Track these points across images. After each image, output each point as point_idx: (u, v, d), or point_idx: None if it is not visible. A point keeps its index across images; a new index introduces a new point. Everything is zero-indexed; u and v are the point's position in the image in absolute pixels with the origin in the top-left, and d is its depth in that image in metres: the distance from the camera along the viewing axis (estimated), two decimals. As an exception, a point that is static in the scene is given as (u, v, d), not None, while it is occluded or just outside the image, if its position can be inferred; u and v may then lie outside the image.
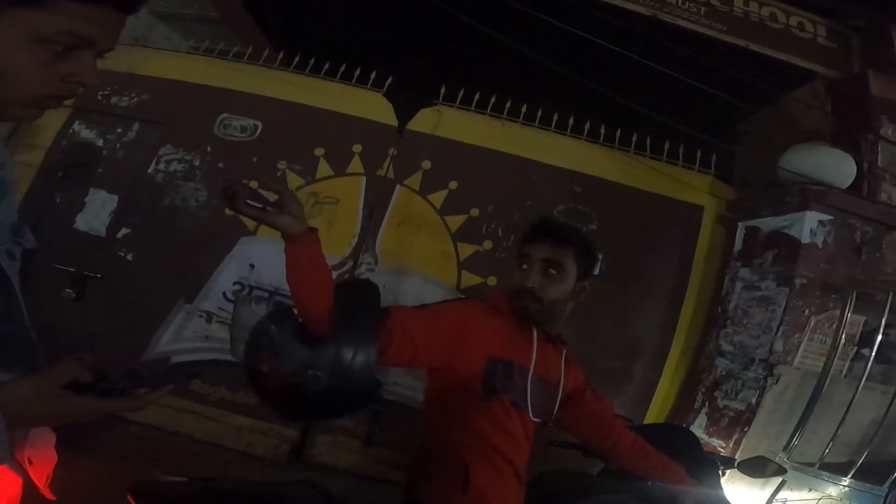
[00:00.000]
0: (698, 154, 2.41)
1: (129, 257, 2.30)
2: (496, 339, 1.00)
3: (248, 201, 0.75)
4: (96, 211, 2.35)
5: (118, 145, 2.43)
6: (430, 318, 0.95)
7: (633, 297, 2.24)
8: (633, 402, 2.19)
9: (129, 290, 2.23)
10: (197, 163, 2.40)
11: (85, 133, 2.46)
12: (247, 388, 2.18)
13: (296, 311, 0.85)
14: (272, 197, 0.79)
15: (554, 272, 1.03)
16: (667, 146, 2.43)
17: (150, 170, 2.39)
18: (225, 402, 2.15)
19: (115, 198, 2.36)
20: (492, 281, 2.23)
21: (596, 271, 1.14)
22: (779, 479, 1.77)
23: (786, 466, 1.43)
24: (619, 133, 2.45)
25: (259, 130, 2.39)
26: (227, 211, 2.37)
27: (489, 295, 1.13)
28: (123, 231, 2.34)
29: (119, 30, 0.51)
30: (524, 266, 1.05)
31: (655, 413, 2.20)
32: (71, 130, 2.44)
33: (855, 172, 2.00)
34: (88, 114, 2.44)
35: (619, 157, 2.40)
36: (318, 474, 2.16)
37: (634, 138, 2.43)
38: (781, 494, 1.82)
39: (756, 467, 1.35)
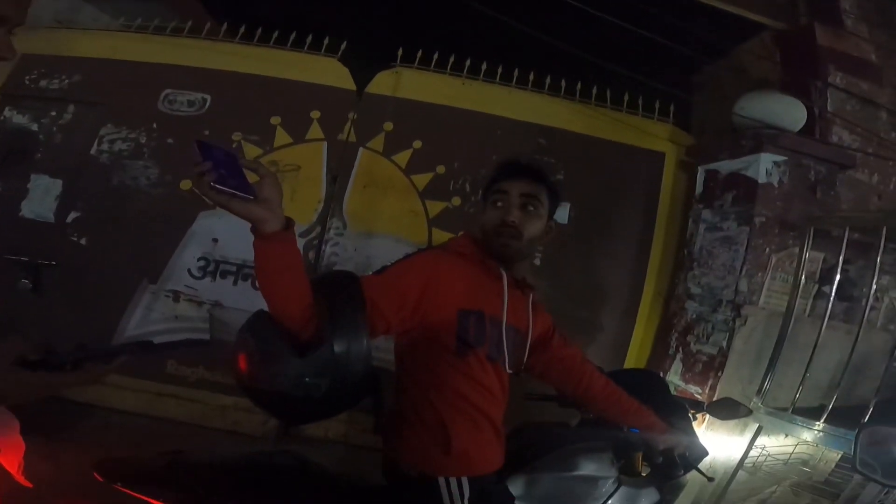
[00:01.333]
0: (657, 104, 2.43)
1: (83, 241, 2.20)
2: (465, 290, 0.95)
3: (214, 184, 0.62)
4: (41, 197, 2.23)
5: (54, 128, 2.30)
6: (393, 282, 0.89)
7: (602, 245, 2.25)
8: (609, 351, 2.22)
9: (87, 275, 2.13)
10: (143, 140, 2.29)
11: (17, 119, 2.31)
12: (225, 367, 2.19)
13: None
14: (251, 177, 0.66)
15: (532, 208, 1.02)
16: (626, 97, 2.43)
17: (93, 151, 2.28)
18: (205, 383, 2.11)
19: (59, 182, 2.24)
20: None
21: (563, 217, 1.12)
22: (755, 426, 1.81)
23: (759, 410, 1.44)
24: (579, 86, 2.43)
25: (208, 103, 2.30)
26: (184, 185, 2.24)
27: (452, 241, 1.08)
28: (73, 215, 2.23)
29: (26, 5, 0.51)
30: (500, 203, 1.02)
31: (633, 362, 2.23)
32: (2, 118, 2.29)
33: (805, 117, 2.04)
34: (17, 99, 2.30)
35: (580, 109, 2.39)
36: (308, 447, 2.18)
37: (595, 91, 2.43)
38: (759, 441, 1.85)
39: (724, 409, 1.35)
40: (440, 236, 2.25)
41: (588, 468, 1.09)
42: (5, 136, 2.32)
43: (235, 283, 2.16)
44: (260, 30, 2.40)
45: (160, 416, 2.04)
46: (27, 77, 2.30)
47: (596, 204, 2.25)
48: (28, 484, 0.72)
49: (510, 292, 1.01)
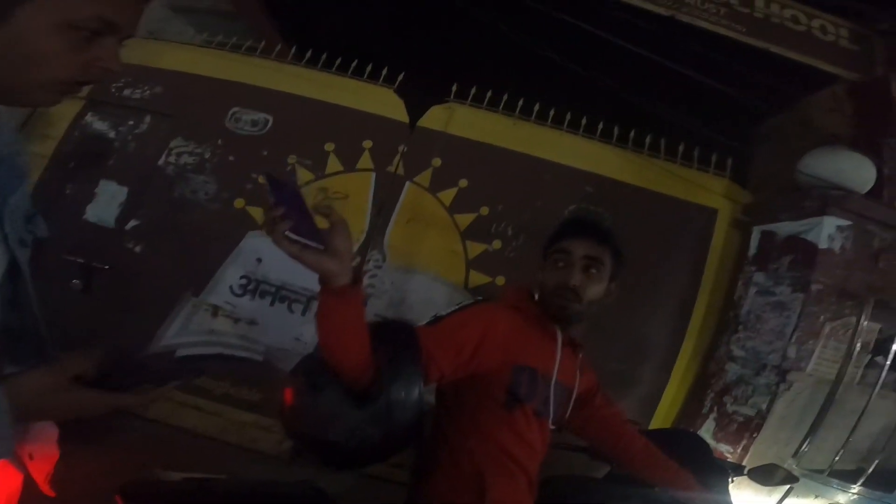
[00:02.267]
0: (714, 157, 2.36)
1: (138, 249, 2.28)
2: (520, 346, 0.96)
3: (288, 233, 0.61)
4: (106, 202, 2.33)
5: (130, 137, 2.42)
6: (450, 334, 0.89)
7: (643, 299, 2.18)
8: (639, 405, 2.14)
9: (136, 282, 2.20)
10: (207, 155, 2.37)
11: (97, 124, 2.45)
12: (250, 384, 2.14)
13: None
14: (321, 223, 0.65)
15: (595, 271, 0.99)
16: (681, 148, 2.37)
17: (161, 162, 2.37)
18: (228, 398, 2.11)
19: (126, 189, 2.34)
20: (500, 280, 2.18)
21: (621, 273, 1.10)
22: (786, 488, 1.73)
23: (795, 473, 1.34)
24: (632, 134, 2.39)
25: (269, 124, 2.37)
26: (237, 204, 2.36)
27: (507, 293, 1.09)
28: (133, 223, 2.32)
29: (139, 17, 0.51)
30: (561, 263, 1.00)
31: (662, 417, 2.14)
32: (84, 121, 2.43)
33: (875, 177, 1.94)
34: (101, 105, 2.43)
35: (631, 158, 2.35)
36: (321, 472, 2.15)
37: (648, 139, 2.37)
38: (788, 501, 1.77)
39: (766, 474, 1.31)
40: (477, 278, 2.22)
41: None
42: (83, 139, 2.45)
43: (272, 303, 2.18)
44: (325, 55, 2.49)
45: (179, 426, 2.04)
46: (113, 85, 2.43)
47: (641, 257, 2.14)
48: (52, 493, 0.72)
49: (563, 351, 1.00)
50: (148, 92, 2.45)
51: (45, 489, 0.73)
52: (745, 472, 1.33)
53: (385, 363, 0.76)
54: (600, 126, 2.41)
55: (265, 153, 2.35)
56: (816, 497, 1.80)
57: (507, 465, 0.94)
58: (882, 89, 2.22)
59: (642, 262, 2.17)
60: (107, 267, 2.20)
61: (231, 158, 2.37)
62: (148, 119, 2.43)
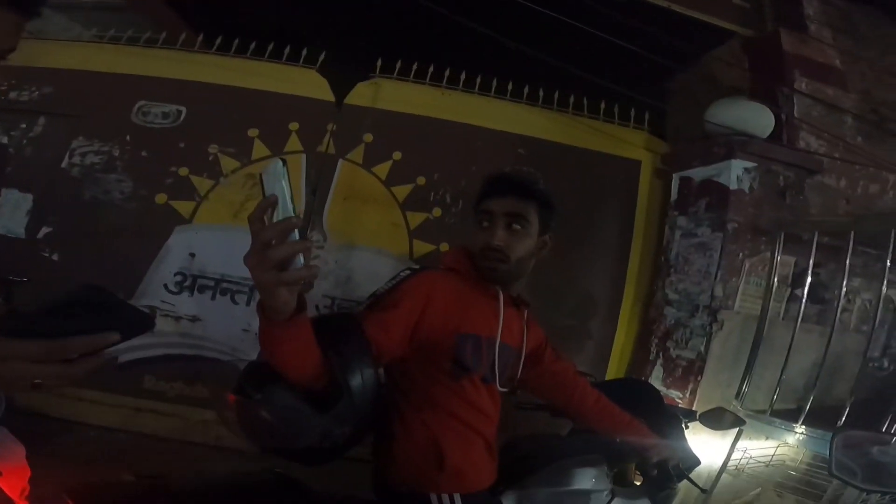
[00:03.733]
0: (632, 112, 2.43)
1: (55, 257, 2.10)
2: (462, 312, 0.93)
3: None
4: (11, 212, 2.13)
5: (24, 141, 2.20)
6: (391, 316, 0.87)
7: (581, 253, 2.23)
8: (592, 358, 2.19)
9: (59, 291, 2.07)
10: (116, 153, 2.19)
11: None
12: (204, 381, 2.04)
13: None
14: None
15: (518, 227, 0.96)
16: (602, 106, 2.42)
17: (64, 164, 2.17)
18: (185, 398, 2.02)
19: (30, 196, 2.14)
20: (444, 247, 2.17)
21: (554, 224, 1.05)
22: (737, 429, 1.74)
23: (741, 416, 1.37)
24: (557, 95, 2.41)
25: (183, 116, 2.22)
26: (159, 200, 2.15)
27: (445, 257, 1.05)
28: (45, 230, 2.12)
29: (19, 32, 0.49)
30: (485, 223, 0.97)
31: (615, 368, 2.21)
32: None
33: (773, 123, 2.07)
34: None
35: (558, 119, 2.37)
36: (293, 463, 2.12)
37: (572, 99, 2.42)
38: (741, 444, 1.84)
39: (716, 419, 1.33)
40: (421, 248, 2.19)
41: (582, 482, 1.07)
42: None
43: (213, 297, 2.08)
44: (237, 41, 2.32)
45: (139, 432, 1.95)
46: None
47: (575, 213, 2.21)
48: None
49: (505, 311, 0.98)
50: (37, 93, 2.22)
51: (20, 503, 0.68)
52: (697, 417, 1.34)
53: (337, 362, 0.74)
54: (526, 90, 2.41)
55: (182, 145, 2.19)
56: (767, 439, 1.87)
57: (462, 432, 0.93)
58: (773, 43, 2.36)
59: (578, 218, 2.22)
60: (25, 279, 1.97)
61: (144, 154, 2.19)
62: (42, 121, 2.20)
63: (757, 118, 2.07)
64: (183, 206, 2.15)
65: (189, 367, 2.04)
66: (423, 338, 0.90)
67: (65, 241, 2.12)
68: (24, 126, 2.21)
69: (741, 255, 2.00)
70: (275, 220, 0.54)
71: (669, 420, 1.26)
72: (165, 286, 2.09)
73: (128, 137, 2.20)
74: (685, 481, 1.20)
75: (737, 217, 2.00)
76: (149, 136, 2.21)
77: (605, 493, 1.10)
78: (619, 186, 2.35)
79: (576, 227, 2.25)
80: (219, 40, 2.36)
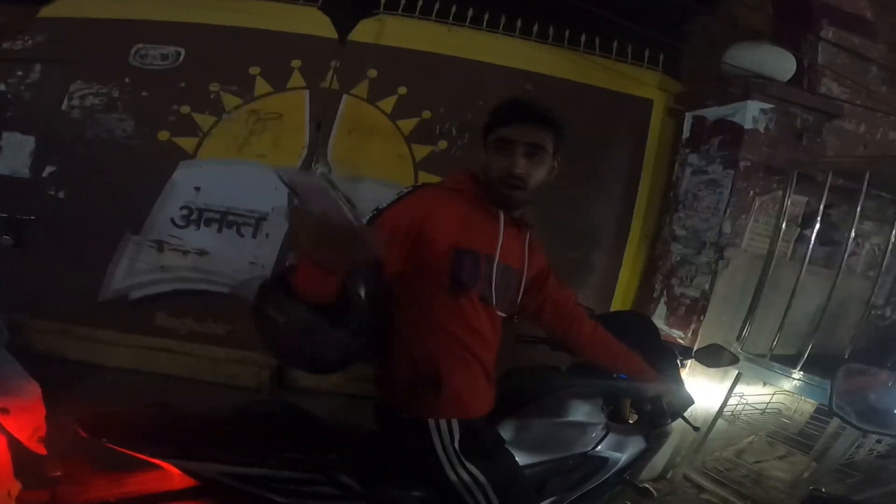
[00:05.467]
0: (646, 53, 2.29)
1: (61, 195, 2.06)
2: (460, 228, 0.90)
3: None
4: (14, 153, 2.08)
5: (22, 87, 2.14)
6: (392, 228, 0.84)
7: (588, 187, 2.15)
8: (596, 293, 2.13)
9: (68, 229, 1.99)
10: (116, 94, 2.11)
11: None
12: (214, 317, 2.01)
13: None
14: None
15: (538, 156, 0.93)
16: (615, 45, 2.28)
17: (64, 106, 2.11)
18: (195, 335, 2.00)
19: (31, 138, 2.09)
20: None
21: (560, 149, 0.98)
22: (735, 373, 1.74)
23: (735, 355, 1.32)
24: (567, 33, 2.27)
25: (182, 56, 2.13)
26: (161, 136, 2.06)
27: (448, 176, 1.01)
28: (49, 169, 2.07)
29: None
30: (504, 150, 0.92)
31: (619, 305, 2.15)
32: None
33: (794, 68, 1.96)
34: None
35: (568, 56, 2.24)
36: (302, 398, 2.16)
37: (584, 38, 2.27)
38: (738, 389, 1.79)
39: (711, 356, 1.27)
40: (427, 179, 2.10)
41: (577, 415, 1.06)
42: None
43: (220, 230, 2.03)
44: None
45: (153, 372, 1.94)
46: None
47: (583, 148, 2.09)
48: (42, 451, 0.68)
49: (506, 231, 0.95)
50: (30, 42, 2.13)
51: (33, 446, 0.65)
52: (693, 353, 1.29)
53: (348, 276, 0.72)
54: (535, 28, 2.27)
55: (183, 84, 2.11)
56: (764, 384, 1.82)
57: (461, 355, 0.91)
58: (801, -11, 2.13)
59: (585, 152, 2.10)
60: (33, 218, 2.00)
61: (144, 94, 2.11)
62: (38, 68, 2.14)
63: (778, 62, 1.95)
64: (186, 143, 2.07)
65: (198, 301, 2.00)
66: (421, 253, 0.87)
67: (70, 179, 2.06)
68: (20, 73, 2.13)
69: (752, 193, 1.90)
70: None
71: (665, 356, 1.22)
72: (172, 220, 2.03)
73: (126, 80, 2.12)
74: (680, 422, 1.17)
75: (750, 155, 1.89)
76: (148, 77, 2.11)
77: (600, 426, 1.09)
78: (629, 124, 2.22)
79: (584, 162, 2.13)
80: None
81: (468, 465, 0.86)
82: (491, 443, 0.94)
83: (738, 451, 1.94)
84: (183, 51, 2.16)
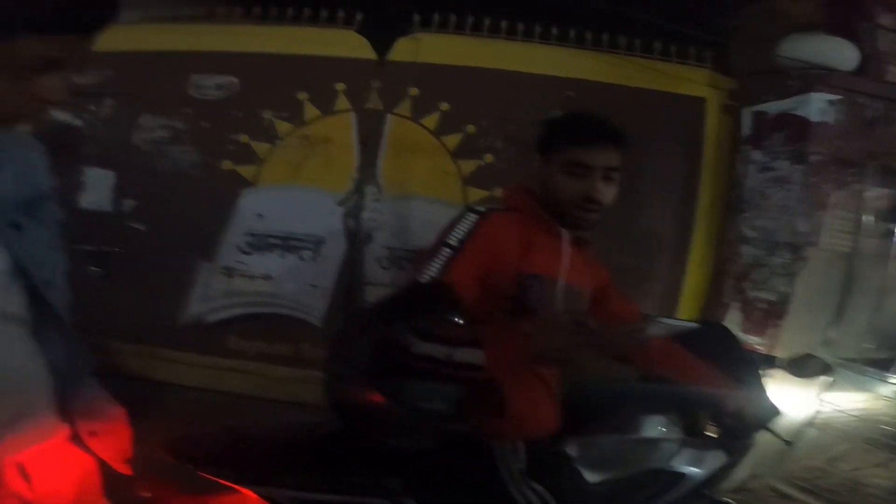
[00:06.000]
0: (690, 52, 2.19)
1: (142, 228, 2.20)
2: (523, 252, 0.89)
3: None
4: (97, 188, 2.22)
5: (96, 122, 2.27)
6: (470, 264, 0.84)
7: (643, 192, 2.06)
8: (660, 301, 2.05)
9: (149, 259, 2.14)
10: (180, 126, 2.21)
11: (60, 115, 2.26)
12: (280, 339, 2.11)
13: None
14: None
15: (613, 178, 0.91)
16: (656, 46, 2.18)
17: (136, 140, 2.23)
18: (263, 355, 2.10)
19: (112, 173, 2.22)
20: (498, 193, 2.02)
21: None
22: (826, 380, 1.54)
23: (829, 363, 1.21)
24: (606, 37, 2.19)
25: (235, 86, 2.22)
26: (225, 166, 2.16)
27: (506, 194, 1.02)
28: (129, 203, 2.22)
29: (88, 46, 0.52)
30: (578, 173, 0.89)
31: (686, 312, 2.04)
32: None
33: (856, 58, 1.82)
34: None
35: (609, 60, 2.15)
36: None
37: (625, 42, 2.19)
38: (827, 395, 1.66)
39: (802, 366, 1.15)
40: (475, 194, 2.12)
41: (648, 430, 1.02)
42: (53, 132, 2.42)
43: (282, 255, 2.12)
44: (275, 10, 2.26)
45: (224, 391, 2.04)
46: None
47: (634, 151, 2.13)
48: (128, 472, 0.69)
49: (569, 250, 0.93)
50: (99, 76, 2.24)
51: (120, 467, 0.67)
52: (777, 363, 1.19)
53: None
54: (572, 34, 2.20)
55: (239, 114, 2.18)
56: (857, 390, 1.69)
57: (523, 377, 0.89)
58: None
59: (637, 156, 2.11)
60: (117, 249, 2.16)
61: (205, 125, 2.20)
62: (108, 102, 2.27)
63: (837, 52, 1.83)
64: (247, 171, 2.17)
65: (265, 323, 2.10)
66: (488, 280, 0.86)
67: (147, 212, 2.20)
68: (93, 108, 2.28)
69: (826, 188, 1.76)
70: None
71: (746, 366, 1.12)
72: (239, 247, 2.13)
73: (188, 111, 2.21)
74: (765, 433, 1.07)
75: (820, 149, 1.76)
76: (207, 107, 2.21)
77: (674, 441, 1.03)
78: (681, 124, 2.11)
79: (637, 166, 2.07)
80: (257, 11, 2.30)
81: (534, 485, 0.85)
82: (557, 462, 0.92)
83: (831, 459, 1.80)
84: (236, 79, 2.25)
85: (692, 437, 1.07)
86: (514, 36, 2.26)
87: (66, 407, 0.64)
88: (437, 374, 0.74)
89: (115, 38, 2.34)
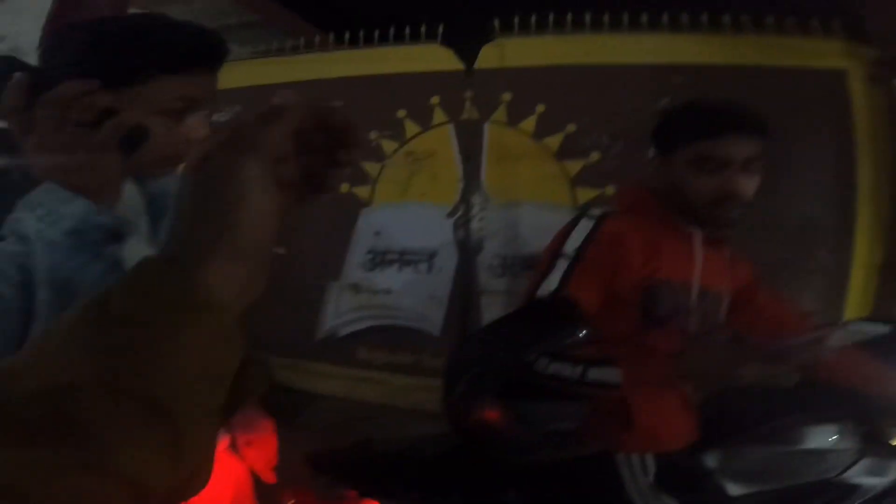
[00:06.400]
0: (813, 22, 1.92)
1: (282, 251, 2.30)
2: (650, 257, 0.83)
3: None
4: None
5: None
6: (590, 279, 0.80)
7: (792, 178, 1.86)
8: (825, 296, 1.85)
9: (290, 279, 2.30)
10: None
11: None
12: (402, 349, 2.23)
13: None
14: None
15: (753, 168, 0.84)
16: (770, 22, 1.95)
17: None
18: (389, 365, 2.21)
19: None
20: (609, 191, 1.97)
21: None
22: None
23: None
24: (706, 17, 2.00)
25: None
26: (343, 189, 2.28)
27: (621, 196, 0.96)
28: None
29: (215, 84, 0.56)
30: (712, 166, 0.82)
31: (855, 306, 1.83)
32: None
33: None
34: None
35: (716, 40, 1.97)
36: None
37: (728, 20, 1.98)
38: None
39: None
40: (584, 194, 2.06)
41: (812, 442, 0.91)
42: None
43: (400, 270, 2.23)
44: (362, 33, 2.37)
45: (359, 400, 2.18)
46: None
47: (777, 135, 1.93)
48: (273, 480, 0.75)
49: (703, 251, 0.86)
50: (231, 112, 2.43)
51: (266, 476, 0.76)
52: None
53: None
54: (665, 17, 2.04)
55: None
56: None
57: (653, 388, 0.83)
58: None
59: (780, 140, 1.96)
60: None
61: None
62: None
63: None
64: (362, 192, 2.30)
65: (389, 335, 2.22)
66: (613, 290, 0.82)
67: (286, 237, 2.44)
68: None
69: None
70: None
71: None
72: (361, 265, 2.27)
73: None
74: None
75: None
76: None
77: (850, 452, 0.91)
78: (822, 100, 1.90)
79: (776, 151, 1.92)
80: (347, 35, 2.44)
81: (665, 498, 0.81)
82: (691, 474, 0.86)
83: None
84: (342, 104, 2.46)
85: (875, 444, 0.96)
86: (600, 30, 2.18)
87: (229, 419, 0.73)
88: (567, 393, 0.72)
89: (230, 75, 2.64)
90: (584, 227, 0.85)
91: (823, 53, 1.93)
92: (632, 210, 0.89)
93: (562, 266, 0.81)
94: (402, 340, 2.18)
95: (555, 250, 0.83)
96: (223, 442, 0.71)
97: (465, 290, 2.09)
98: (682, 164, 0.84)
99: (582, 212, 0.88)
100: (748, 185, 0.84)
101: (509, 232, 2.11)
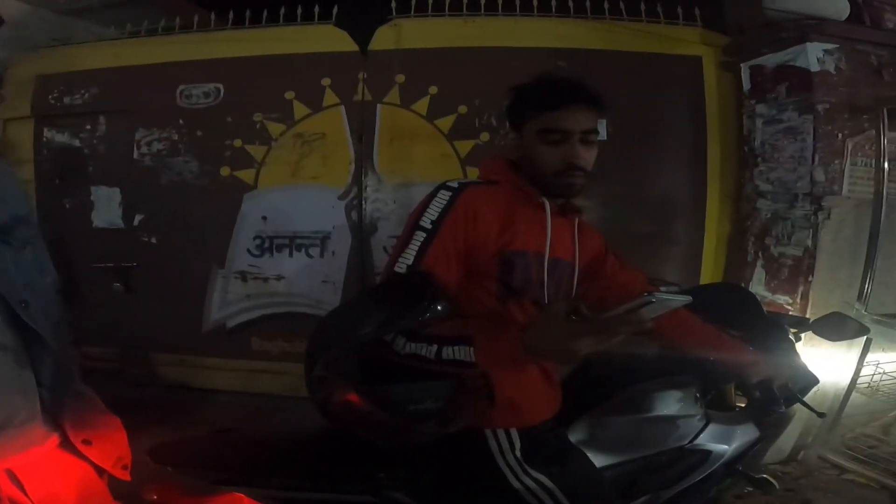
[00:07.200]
0: (679, 11, 2.06)
1: (154, 241, 2.19)
2: (505, 228, 0.81)
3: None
4: (106, 206, 2.21)
5: (94, 141, 2.22)
6: (448, 248, 0.78)
7: (651, 156, 1.99)
8: (681, 265, 1.96)
9: (166, 270, 2.15)
10: (175, 137, 2.15)
11: (59, 137, 2.26)
12: (301, 337, 2.28)
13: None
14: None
15: (592, 140, 0.83)
16: (643, 8, 2.06)
17: (136, 155, 2.19)
18: (287, 354, 2.10)
19: (117, 189, 2.20)
20: None
21: (601, 135, 0.90)
22: (864, 339, 1.43)
23: (866, 323, 1.09)
24: (588, 4, 2.08)
25: (222, 92, 2.16)
26: (224, 172, 2.10)
27: (483, 166, 0.93)
28: (138, 217, 2.19)
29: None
30: (555, 139, 0.82)
31: (709, 274, 1.95)
32: (45, 138, 2.25)
33: (848, 7, 1.73)
34: (50, 119, 2.25)
35: (597, 26, 2.04)
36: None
37: (607, 6, 2.07)
38: (871, 356, 1.53)
39: (832, 328, 1.03)
40: (475, 174, 2.14)
41: (666, 408, 0.93)
42: (55, 155, 2.25)
43: (291, 254, 2.10)
44: (248, 12, 2.20)
45: (259, 392, 2.07)
46: (50, 97, 2.20)
47: (634, 116, 1.93)
48: (127, 478, 0.69)
49: (554, 221, 0.85)
50: (87, 95, 2.21)
51: (118, 474, 0.69)
52: (810, 326, 1.06)
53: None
54: (554, 3, 2.08)
55: (229, 119, 2.12)
56: None
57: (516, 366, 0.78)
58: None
59: (638, 120, 1.95)
60: (135, 264, 2.15)
61: (199, 133, 2.14)
62: (102, 119, 2.22)
63: (827, 2, 1.74)
64: (246, 175, 2.12)
65: (284, 323, 2.09)
66: (469, 261, 0.79)
67: (157, 224, 2.17)
68: (88, 127, 2.23)
69: (841, 135, 1.67)
70: None
71: (773, 331, 1.01)
72: (248, 251, 2.11)
73: (180, 121, 2.15)
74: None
75: (827, 97, 1.67)
76: (197, 116, 2.14)
77: (697, 417, 0.94)
78: (680, 85, 2.01)
79: (640, 131, 1.94)
80: (231, 15, 2.21)
81: (532, 472, 0.78)
82: (557, 446, 0.85)
83: (885, 426, 1.69)
84: (221, 86, 2.18)
85: (719, 411, 0.99)
86: (494, 12, 2.14)
87: (55, 417, 0.65)
88: (425, 373, 0.67)
89: (94, 55, 2.35)
90: (441, 198, 0.81)
91: (683, 41, 2.04)
92: (491, 181, 0.87)
93: (419, 239, 0.77)
94: (299, 328, 2.06)
95: (413, 223, 0.79)
96: (53, 440, 0.64)
97: (360, 273, 2.01)
98: (530, 137, 0.85)
99: (441, 185, 0.82)
100: (587, 156, 0.84)
101: (403, 212, 2.07)
